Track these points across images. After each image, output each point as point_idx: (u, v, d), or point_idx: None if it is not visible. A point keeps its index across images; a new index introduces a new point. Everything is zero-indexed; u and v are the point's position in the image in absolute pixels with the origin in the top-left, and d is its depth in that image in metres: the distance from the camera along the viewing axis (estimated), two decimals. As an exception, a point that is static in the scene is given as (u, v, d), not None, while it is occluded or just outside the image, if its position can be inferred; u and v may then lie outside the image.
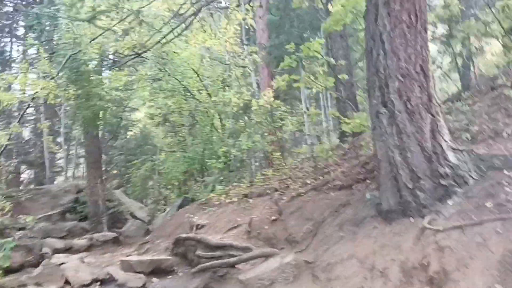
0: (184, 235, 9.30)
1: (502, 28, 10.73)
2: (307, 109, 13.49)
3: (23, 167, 27.56)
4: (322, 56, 9.92)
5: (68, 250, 13.27)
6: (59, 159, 29.68)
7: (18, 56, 22.32)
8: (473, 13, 12.38)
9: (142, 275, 8.27)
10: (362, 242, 6.25)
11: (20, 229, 14.59)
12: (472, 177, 6.03)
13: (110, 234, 14.60)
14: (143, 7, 8.58)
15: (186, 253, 9.14)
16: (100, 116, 15.46)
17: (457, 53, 12.03)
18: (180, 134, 17.60)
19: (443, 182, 5.98)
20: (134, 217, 19.22)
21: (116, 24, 8.93)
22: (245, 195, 10.68)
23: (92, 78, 13.76)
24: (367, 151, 9.60)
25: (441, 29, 13.09)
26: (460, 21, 11.92)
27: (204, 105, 13.62)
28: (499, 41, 12.48)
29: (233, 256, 7.66)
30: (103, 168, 20.42)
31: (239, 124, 13.40)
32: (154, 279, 8.30)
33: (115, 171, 26.73)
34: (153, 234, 13.52)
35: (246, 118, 13.31)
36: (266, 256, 7.33)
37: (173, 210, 14.42)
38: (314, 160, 10.96)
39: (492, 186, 5.73)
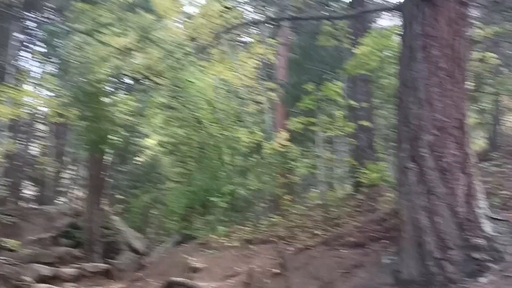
0: (176, 279, 8.46)
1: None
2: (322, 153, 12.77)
3: (26, 183, 27.02)
4: (343, 97, 9.30)
5: (54, 278, 12.43)
6: (64, 179, 29.08)
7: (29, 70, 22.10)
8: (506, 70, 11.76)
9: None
10: (375, 314, 5.41)
11: (9, 250, 13.86)
12: (510, 253, 5.20)
13: (102, 265, 13.75)
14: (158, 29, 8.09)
15: None
16: (106, 139, 14.88)
17: (486, 110, 11.40)
18: (187, 167, 16.90)
19: (476, 255, 5.16)
20: (130, 247, 18.36)
21: (123, 42, 8.46)
22: (248, 241, 9.85)
23: (100, 99, 13.29)
24: (384, 206, 8.81)
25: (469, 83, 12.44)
26: (491, 76, 11.34)
27: (215, 139, 13.01)
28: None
29: (227, 311, 6.82)
30: (106, 193, 19.73)
31: (249, 163, 12.71)
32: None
33: (119, 197, 26.01)
34: (147, 270, 12.64)
35: (257, 156, 12.63)
36: (265, 316, 6.48)
37: (171, 246, 13.57)
38: (326, 209, 10.17)
39: (535, 267, 4.91)
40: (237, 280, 8.24)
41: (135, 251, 18.03)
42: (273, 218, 10.79)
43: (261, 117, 14.04)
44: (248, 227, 10.76)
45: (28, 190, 27.56)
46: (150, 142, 23.36)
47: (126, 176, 24.91)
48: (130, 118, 15.52)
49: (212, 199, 12.05)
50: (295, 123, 9.82)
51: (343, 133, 9.53)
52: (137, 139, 24.31)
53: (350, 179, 11.92)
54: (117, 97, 14.88)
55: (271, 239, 9.60)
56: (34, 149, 28.52)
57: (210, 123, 13.21)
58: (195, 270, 9.76)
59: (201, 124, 13.94)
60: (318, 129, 9.80)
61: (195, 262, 10.09)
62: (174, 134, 15.72)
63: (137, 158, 23.62)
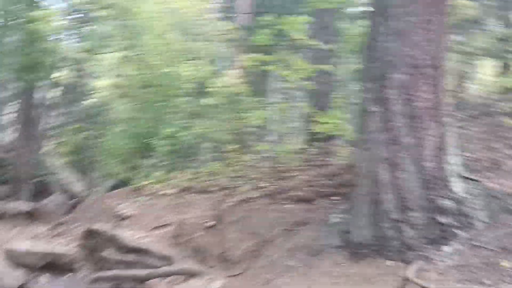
0: (96, 227, 7.33)
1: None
2: (275, 102, 11.74)
3: None
4: (305, 36, 8.16)
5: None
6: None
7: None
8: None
9: (27, 271, 6.32)
10: (318, 281, 4.55)
11: None
12: (481, 219, 4.39)
13: (25, 206, 12.41)
14: None
15: (96, 249, 7.19)
16: (40, 65, 13.22)
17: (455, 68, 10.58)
18: (134, 108, 15.52)
19: (441, 219, 4.33)
20: (66, 189, 17.02)
21: None
22: (186, 189, 8.80)
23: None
24: (338, 161, 7.95)
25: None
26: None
27: (159, 77, 11.67)
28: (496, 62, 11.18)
29: (148, 266, 5.83)
30: (44, 130, 18.00)
31: (196, 105, 11.47)
32: (43, 278, 6.36)
33: (61, 138, 24.21)
34: (74, 214, 11.47)
35: (205, 100, 11.41)
36: (189, 275, 5.53)
37: (105, 190, 12.37)
38: (274, 161, 9.22)
39: (508, 237, 4.11)
40: (166, 231, 7.25)
41: (71, 194, 16.74)
42: (216, 166, 9.72)
43: (214, 55, 12.72)
44: (188, 174, 9.68)
45: None
46: (101, 84, 21.78)
47: (71, 116, 23.07)
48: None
49: (152, 142, 10.85)
50: (248, 60, 8.65)
51: (301, 77, 8.43)
52: (86, 80, 22.54)
53: (305, 130, 10.92)
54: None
55: (211, 188, 8.59)
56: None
57: (155, 59, 11.83)
58: (123, 217, 8.70)
59: (147, 61, 12.56)
60: (273, 69, 8.66)
61: (124, 209, 9.00)
62: (123, 74, 14.34)
63: (85, 99, 21.83)
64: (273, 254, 5.46)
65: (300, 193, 6.89)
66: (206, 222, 6.89)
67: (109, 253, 6.47)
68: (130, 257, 6.25)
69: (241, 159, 9.89)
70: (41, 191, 15.30)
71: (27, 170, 14.60)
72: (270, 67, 8.56)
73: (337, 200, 6.28)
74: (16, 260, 6.59)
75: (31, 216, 12.29)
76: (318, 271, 4.69)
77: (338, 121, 7.77)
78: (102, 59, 17.68)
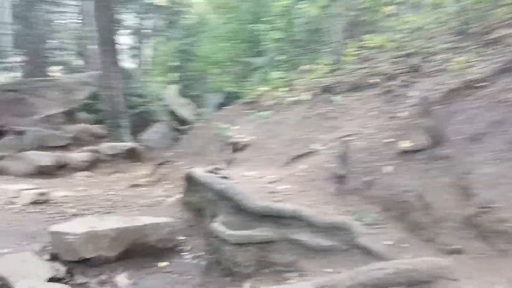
0: (200, 173, 4.31)
1: None
2: None
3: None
4: None
5: (60, 168, 9.03)
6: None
7: None
8: None
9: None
10: None
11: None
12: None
13: (124, 145, 10.10)
14: None
15: (204, 209, 4.25)
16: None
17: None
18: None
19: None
20: (174, 116, 14.70)
21: None
22: (326, 88, 5.42)
23: None
24: None
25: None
26: None
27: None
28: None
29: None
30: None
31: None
32: (119, 279, 3.58)
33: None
34: (179, 148, 8.86)
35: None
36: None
37: (211, 110, 9.49)
38: None
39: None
40: (314, 164, 4.04)
41: (180, 120, 14.39)
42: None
43: None
44: (325, 64, 6.17)
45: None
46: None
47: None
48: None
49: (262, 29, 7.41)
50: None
51: None
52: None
53: None
54: None
55: (369, 81, 5.10)
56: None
57: None
58: (239, 147, 5.68)
59: None
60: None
61: (239, 133, 5.97)
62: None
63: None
64: None
65: None
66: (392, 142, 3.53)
67: (219, 227, 3.44)
68: (263, 229, 3.18)
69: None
70: (145, 124, 13.07)
71: (120, 101, 12.26)
72: None
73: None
74: (70, 249, 3.83)
75: (131, 156, 9.98)
76: None
77: None
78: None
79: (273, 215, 3.22)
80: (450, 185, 2.75)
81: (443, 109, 3.24)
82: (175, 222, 4.20)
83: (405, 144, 3.28)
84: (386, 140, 3.53)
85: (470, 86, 3.40)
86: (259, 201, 3.33)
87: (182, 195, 4.93)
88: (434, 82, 4.05)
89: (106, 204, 6.17)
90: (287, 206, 3.18)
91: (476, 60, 4.15)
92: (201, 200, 4.28)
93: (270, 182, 4.07)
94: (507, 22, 5.07)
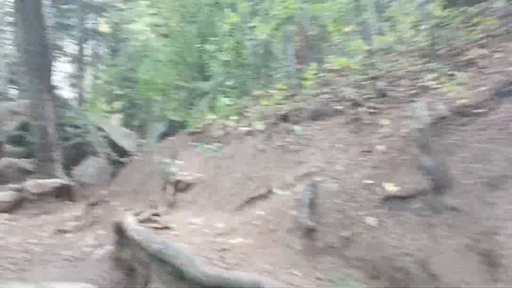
0: (131, 226, 3.40)
1: None
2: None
3: None
4: None
5: (-21, 209, 7.79)
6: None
7: None
8: None
9: None
10: None
11: None
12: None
13: (55, 182, 8.91)
14: None
15: (137, 270, 3.33)
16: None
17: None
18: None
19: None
20: (114, 147, 13.54)
21: None
22: (284, 116, 4.68)
23: None
24: None
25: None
26: None
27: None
28: None
29: None
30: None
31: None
32: None
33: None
34: (116, 184, 7.83)
35: None
36: None
37: (153, 140, 8.56)
38: None
39: None
40: (262, 213, 3.27)
41: (121, 151, 13.26)
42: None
43: None
44: (280, 88, 5.45)
45: None
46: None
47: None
48: None
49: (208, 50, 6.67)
50: None
51: None
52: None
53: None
54: None
55: (338, 108, 4.42)
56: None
57: None
58: (181, 187, 4.80)
59: None
60: None
61: (183, 169, 5.09)
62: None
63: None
64: None
65: None
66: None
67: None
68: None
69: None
70: (80, 157, 11.85)
71: (52, 132, 11.03)
72: None
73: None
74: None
75: (65, 194, 8.83)
76: None
77: None
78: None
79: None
80: (466, 249, 2.03)
81: (438, 141, 2.56)
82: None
83: (392, 188, 2.57)
84: (365, 181, 2.81)
85: (464, 113, 2.77)
86: (207, 267, 2.49)
87: (114, 248, 3.99)
88: (411, 108, 3.41)
89: (21, 258, 5.12)
90: (245, 277, 2.34)
91: (456, 84, 3.57)
92: (133, 259, 3.38)
93: (219, 234, 3.24)
94: (478, 43, 4.61)
